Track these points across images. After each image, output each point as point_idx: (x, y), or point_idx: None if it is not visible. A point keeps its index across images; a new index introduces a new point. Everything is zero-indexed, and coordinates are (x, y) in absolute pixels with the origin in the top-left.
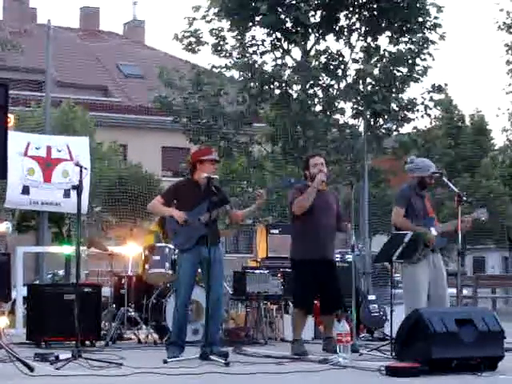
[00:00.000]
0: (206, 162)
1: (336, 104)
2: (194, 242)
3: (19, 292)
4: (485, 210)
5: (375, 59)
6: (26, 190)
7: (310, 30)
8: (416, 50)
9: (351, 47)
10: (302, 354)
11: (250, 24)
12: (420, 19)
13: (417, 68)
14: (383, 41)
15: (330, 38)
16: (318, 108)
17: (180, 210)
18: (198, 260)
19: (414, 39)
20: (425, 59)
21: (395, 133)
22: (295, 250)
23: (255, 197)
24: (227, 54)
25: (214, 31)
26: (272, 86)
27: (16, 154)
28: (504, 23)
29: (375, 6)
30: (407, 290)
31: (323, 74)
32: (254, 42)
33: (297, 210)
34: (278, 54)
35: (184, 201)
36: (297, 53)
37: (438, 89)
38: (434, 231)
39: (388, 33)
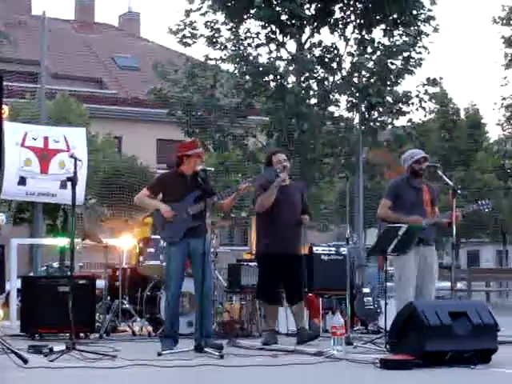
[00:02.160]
0: (192, 156)
1: (331, 97)
2: (182, 235)
3: (13, 284)
4: (488, 202)
5: (370, 52)
6: (22, 181)
7: (304, 23)
8: (410, 43)
9: (346, 40)
10: (268, 344)
11: (245, 17)
12: (414, 12)
13: (411, 61)
14: (378, 33)
15: (325, 30)
16: (313, 101)
17: (166, 202)
18: (187, 252)
19: (408, 32)
20: (420, 52)
21: (390, 126)
22: (258, 244)
23: (239, 188)
24: (222, 47)
25: (208, 23)
26: (267, 79)
27: (13, 144)
28: (499, 17)
29: None
30: (396, 280)
31: (318, 67)
32: (248, 34)
33: (259, 208)
34: (273, 46)
35: (170, 193)
36: (292, 45)
37: (433, 82)
38: (423, 223)
39: (382, 25)
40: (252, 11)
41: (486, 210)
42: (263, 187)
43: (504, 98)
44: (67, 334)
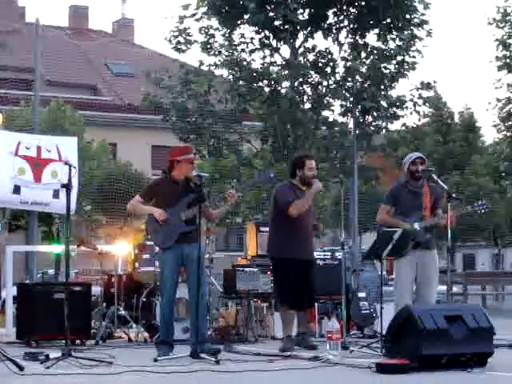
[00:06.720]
0: (183, 161)
1: (325, 101)
2: (175, 240)
3: (9, 291)
4: (485, 202)
5: (363, 56)
6: (16, 190)
7: (298, 28)
8: (404, 47)
9: (340, 44)
10: (287, 350)
11: (239, 22)
12: (407, 16)
13: (405, 65)
14: (371, 38)
15: (319, 35)
16: (307, 105)
17: (159, 208)
18: (180, 258)
19: (401, 36)
20: (413, 56)
21: (384, 130)
22: (276, 247)
23: (226, 197)
24: (216, 52)
25: (202, 29)
26: (261, 84)
27: (7, 153)
28: (494, 19)
29: (363, 3)
30: (394, 283)
31: (312, 72)
32: (242, 40)
33: (294, 214)
34: (267, 51)
35: (163, 199)
36: (285, 50)
37: (427, 86)
38: (417, 226)
39: (376, 30)
40: (246, 17)
41: (483, 211)
42: (292, 190)
43: (499, 100)
44: (63, 341)
